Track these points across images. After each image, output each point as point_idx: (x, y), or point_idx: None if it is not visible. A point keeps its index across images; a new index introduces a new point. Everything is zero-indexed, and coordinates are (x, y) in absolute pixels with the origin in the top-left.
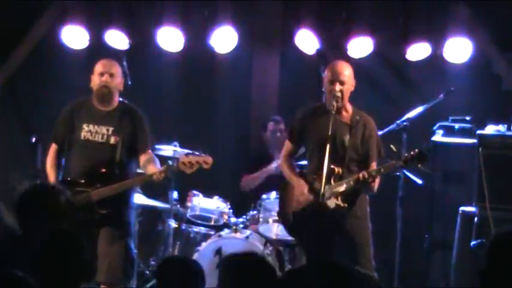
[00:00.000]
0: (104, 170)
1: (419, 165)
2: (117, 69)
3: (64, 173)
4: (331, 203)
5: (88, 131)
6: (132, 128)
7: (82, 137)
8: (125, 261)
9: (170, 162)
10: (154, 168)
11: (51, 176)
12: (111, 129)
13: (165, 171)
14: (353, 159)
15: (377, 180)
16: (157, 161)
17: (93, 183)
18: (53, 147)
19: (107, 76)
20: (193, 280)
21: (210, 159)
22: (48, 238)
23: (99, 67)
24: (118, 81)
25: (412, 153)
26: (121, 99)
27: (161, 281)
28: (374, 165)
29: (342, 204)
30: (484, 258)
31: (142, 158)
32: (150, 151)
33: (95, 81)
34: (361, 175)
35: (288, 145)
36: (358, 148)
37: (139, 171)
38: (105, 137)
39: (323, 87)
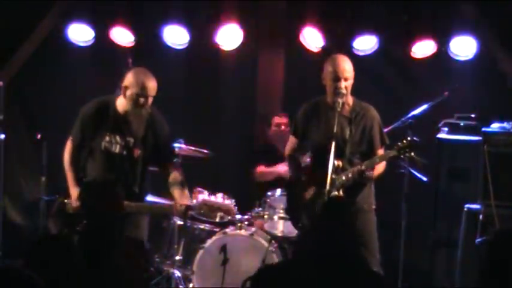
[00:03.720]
0: (122, 184)
1: (412, 154)
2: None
3: (83, 174)
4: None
5: (109, 141)
6: (155, 140)
7: (102, 147)
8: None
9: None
10: (180, 198)
11: (70, 174)
12: (132, 140)
13: (185, 209)
14: (354, 152)
15: (379, 168)
16: (184, 184)
17: None
18: (71, 145)
19: (150, 99)
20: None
21: (233, 211)
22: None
23: (143, 88)
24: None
25: (404, 141)
26: None
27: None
28: (381, 152)
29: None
30: (485, 257)
31: (172, 174)
32: (177, 165)
33: (133, 98)
34: (356, 168)
35: (292, 140)
36: (358, 140)
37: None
38: (126, 148)
39: (323, 81)
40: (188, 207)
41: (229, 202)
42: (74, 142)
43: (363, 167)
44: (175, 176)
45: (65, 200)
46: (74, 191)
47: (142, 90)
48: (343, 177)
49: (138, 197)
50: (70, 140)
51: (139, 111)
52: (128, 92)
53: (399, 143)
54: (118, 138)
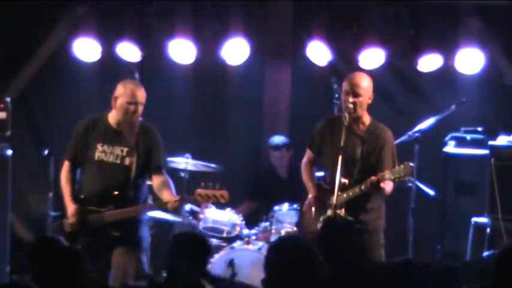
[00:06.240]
0: (117, 192)
1: (405, 179)
2: (145, 96)
3: (77, 189)
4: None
5: (102, 151)
6: (147, 149)
7: (96, 158)
8: (138, 276)
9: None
10: (169, 196)
11: (66, 192)
12: (125, 149)
13: (180, 201)
14: (363, 172)
15: (389, 184)
16: (171, 184)
17: (107, 204)
18: (67, 163)
19: (140, 107)
20: None
21: (226, 194)
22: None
23: (132, 95)
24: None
25: (401, 165)
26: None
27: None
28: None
29: (343, 215)
30: (493, 270)
31: (156, 180)
32: (164, 172)
33: (123, 107)
34: (357, 188)
35: (308, 153)
36: (369, 160)
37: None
38: (120, 158)
39: (341, 97)
40: (183, 198)
41: (237, 217)
42: (69, 158)
43: (363, 187)
44: (160, 180)
45: (63, 220)
46: (70, 208)
47: (131, 98)
48: (345, 195)
49: (134, 201)
50: (65, 158)
51: (130, 120)
52: (118, 102)
53: (394, 168)
54: (111, 148)
